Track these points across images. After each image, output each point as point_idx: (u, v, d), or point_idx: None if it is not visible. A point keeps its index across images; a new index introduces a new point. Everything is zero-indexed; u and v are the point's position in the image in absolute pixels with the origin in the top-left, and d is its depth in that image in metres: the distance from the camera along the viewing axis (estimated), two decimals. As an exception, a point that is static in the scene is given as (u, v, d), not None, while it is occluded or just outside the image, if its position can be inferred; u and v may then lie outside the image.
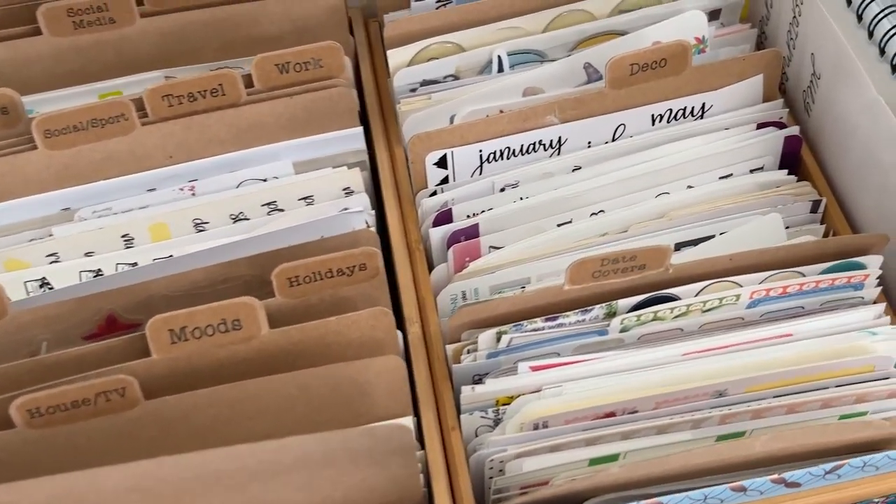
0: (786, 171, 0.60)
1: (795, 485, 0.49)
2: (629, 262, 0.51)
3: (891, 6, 0.57)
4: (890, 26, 0.56)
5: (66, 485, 0.43)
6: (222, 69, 0.58)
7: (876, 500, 0.51)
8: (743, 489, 0.48)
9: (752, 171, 0.61)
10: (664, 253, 0.51)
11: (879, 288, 0.54)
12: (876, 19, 0.57)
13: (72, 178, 0.57)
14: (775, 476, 0.47)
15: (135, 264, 0.56)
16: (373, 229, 0.56)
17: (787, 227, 0.59)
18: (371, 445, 0.45)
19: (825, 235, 0.59)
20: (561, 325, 0.52)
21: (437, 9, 0.64)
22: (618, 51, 0.61)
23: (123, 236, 0.57)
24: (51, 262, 0.56)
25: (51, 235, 0.56)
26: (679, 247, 0.57)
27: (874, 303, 0.54)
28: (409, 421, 0.49)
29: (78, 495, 0.43)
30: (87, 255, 0.56)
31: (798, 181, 0.60)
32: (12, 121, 0.57)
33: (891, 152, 0.54)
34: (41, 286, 0.55)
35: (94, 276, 0.55)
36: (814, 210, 0.59)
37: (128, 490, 0.44)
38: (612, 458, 0.50)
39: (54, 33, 0.60)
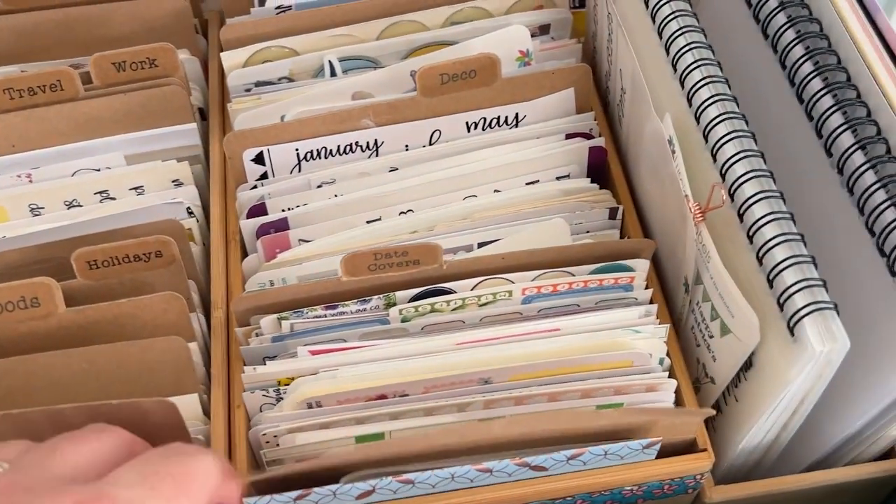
0: (589, 179, 0.65)
1: (541, 468, 0.53)
2: (402, 258, 0.55)
3: (685, 27, 0.61)
4: (679, 47, 0.60)
5: None
6: (63, 66, 0.62)
7: (629, 488, 0.56)
8: (489, 471, 0.52)
9: (558, 178, 0.65)
10: (435, 250, 0.55)
11: (650, 290, 0.58)
12: (671, 38, 0.61)
13: (-84, 162, 0.62)
14: (518, 460, 0.52)
15: (-33, 244, 0.60)
16: (186, 220, 0.60)
17: (588, 232, 0.63)
18: (140, 419, 0.50)
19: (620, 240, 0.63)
20: (342, 313, 0.56)
21: (276, 14, 0.69)
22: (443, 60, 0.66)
23: (-39, 218, 0.61)
24: None
25: None
26: (482, 246, 0.62)
27: (647, 303, 0.58)
28: (193, 398, 0.54)
29: None
30: (-74, 234, 0.61)
31: (601, 189, 0.64)
32: None
33: (666, 165, 0.58)
34: None
35: (-72, 254, 0.60)
36: (612, 217, 0.63)
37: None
38: (378, 436, 0.54)
39: None
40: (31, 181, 0.63)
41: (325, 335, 0.57)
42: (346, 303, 0.56)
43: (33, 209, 0.62)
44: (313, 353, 0.55)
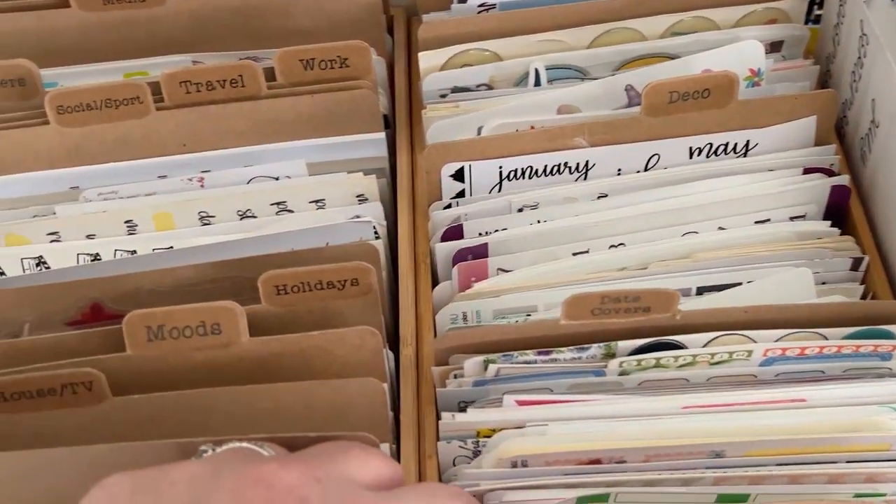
0: (829, 222, 0.56)
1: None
2: (632, 304, 0.47)
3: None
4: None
5: (20, 462, 0.42)
6: (245, 60, 0.56)
7: None
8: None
9: (791, 219, 0.57)
10: (671, 298, 0.47)
11: (909, 362, 0.49)
12: (944, 68, 0.53)
13: (82, 158, 0.56)
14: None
15: (134, 252, 0.55)
16: (375, 242, 0.54)
17: (824, 283, 0.55)
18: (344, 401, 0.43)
19: (863, 297, 0.55)
20: (555, 360, 0.49)
21: (478, 13, 0.62)
22: (663, 76, 0.58)
23: (127, 222, 0.56)
24: (51, 241, 0.55)
25: (54, 214, 0.56)
26: (701, 291, 0.54)
27: (904, 376, 0.50)
28: (385, 448, 0.47)
29: (33, 475, 0.42)
30: (89, 237, 0.55)
31: (841, 234, 0.56)
32: (29, 93, 0.56)
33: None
34: (38, 265, 0.54)
35: (92, 260, 0.54)
36: (854, 268, 0.55)
37: (83, 475, 0.42)
38: (602, 498, 0.47)
39: (83, 7, 0.59)
40: (202, 186, 0.57)
41: (532, 383, 0.49)
42: (561, 349, 0.49)
43: (203, 217, 0.56)
44: (521, 402, 0.48)
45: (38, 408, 0.45)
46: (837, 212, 0.57)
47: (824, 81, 0.64)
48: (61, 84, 0.60)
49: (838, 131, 0.62)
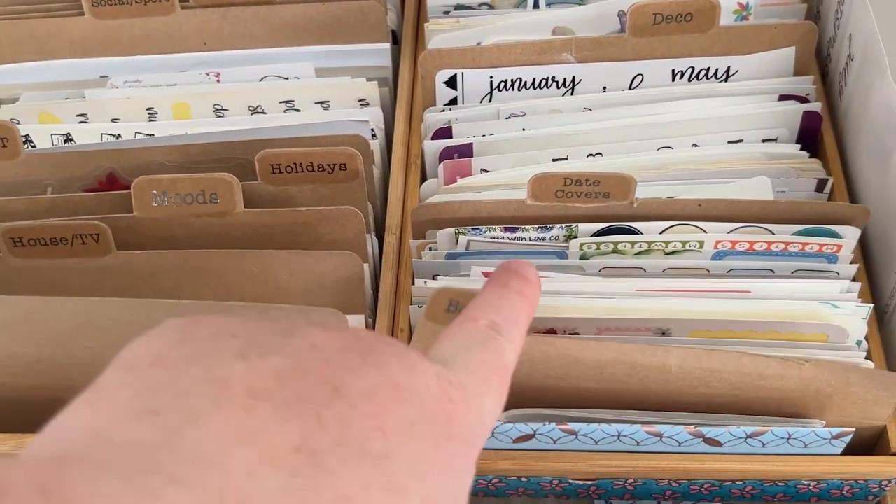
0: (799, 146, 0.59)
1: (715, 443, 0.49)
2: (593, 188, 0.51)
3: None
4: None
5: (28, 307, 0.48)
6: (265, -31, 0.61)
7: (806, 482, 0.51)
8: (659, 435, 0.48)
9: (763, 141, 0.60)
10: (628, 182, 0.51)
11: (855, 266, 0.53)
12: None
13: (112, 49, 0.62)
14: (693, 428, 0.48)
15: (152, 135, 0.60)
16: (372, 142, 0.58)
17: (791, 202, 0.58)
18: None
19: (825, 216, 0.58)
20: (520, 238, 0.53)
21: (486, -60, 0.66)
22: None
23: (148, 109, 0.61)
24: (79, 122, 0.60)
25: (83, 97, 0.61)
26: (673, 200, 0.58)
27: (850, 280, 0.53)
28: (359, 319, 0.52)
29: (37, 319, 0.48)
30: (113, 120, 0.61)
31: (810, 158, 0.59)
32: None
33: (892, 140, 0.52)
34: (65, 141, 0.60)
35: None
36: (819, 189, 0.58)
37: (81, 324, 0.48)
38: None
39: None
40: (218, 81, 0.62)
41: (498, 259, 0.54)
42: (527, 227, 0.53)
43: (217, 109, 0.61)
44: (486, 274, 0.52)
45: (51, 255, 0.51)
46: (809, 138, 0.60)
47: (815, 21, 0.67)
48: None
49: (823, 69, 0.65)
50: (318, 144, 0.55)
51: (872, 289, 0.56)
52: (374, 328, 0.53)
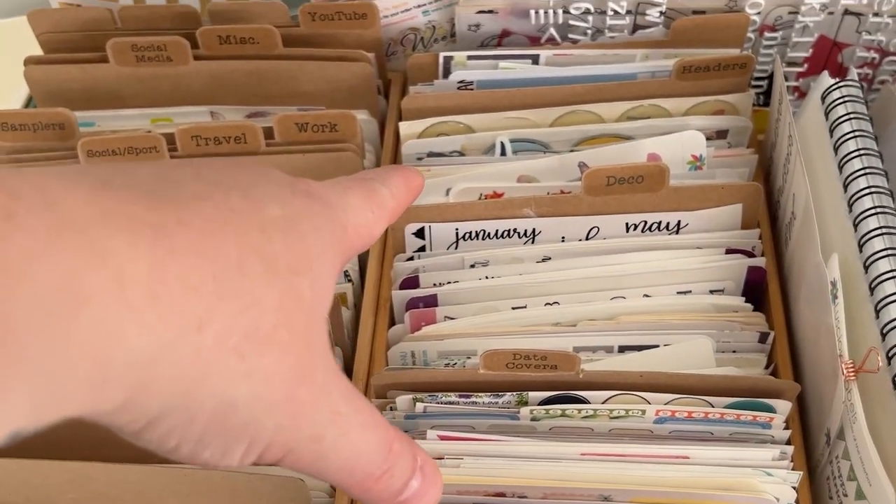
0: (744, 298, 0.63)
1: None
2: (541, 361, 0.56)
3: (868, 168, 0.59)
4: (860, 188, 0.59)
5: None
6: (247, 121, 0.66)
7: None
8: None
9: (711, 292, 0.64)
10: (574, 360, 0.55)
11: (788, 431, 0.57)
12: (851, 177, 0.60)
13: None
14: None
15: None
16: (345, 286, 0.63)
17: (734, 352, 0.62)
18: (268, 492, 0.52)
19: (766, 367, 0.62)
20: (474, 402, 0.57)
21: (458, 88, 0.70)
22: (613, 156, 0.66)
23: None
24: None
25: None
26: (623, 350, 0.62)
27: (784, 444, 0.57)
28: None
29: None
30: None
31: (755, 311, 0.63)
32: (67, 135, 0.66)
33: (824, 311, 0.56)
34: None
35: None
36: (762, 341, 0.62)
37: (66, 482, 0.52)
38: (495, 531, 0.55)
39: (119, 63, 0.69)
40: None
41: (456, 420, 0.58)
42: (480, 394, 0.57)
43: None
44: (442, 437, 0.57)
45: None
46: (755, 290, 0.64)
47: (768, 166, 0.71)
48: (98, 124, 0.71)
49: (774, 214, 0.69)
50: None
51: (806, 443, 0.60)
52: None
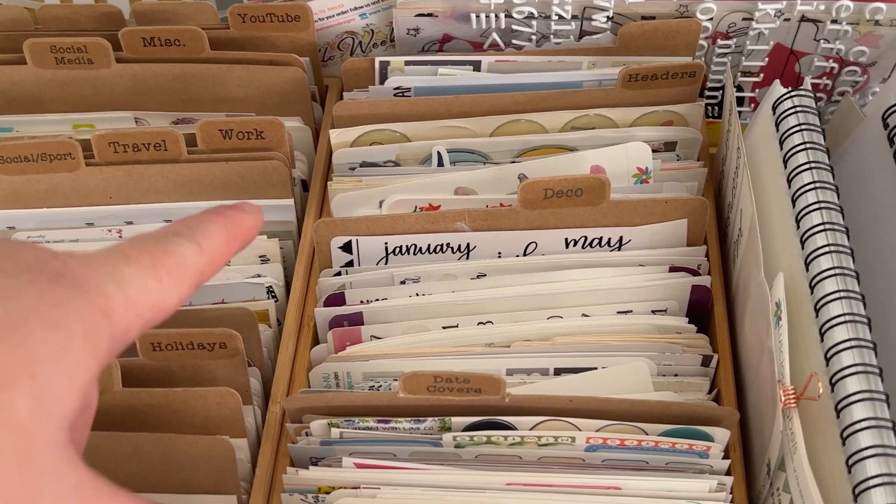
0: (686, 319, 0.60)
1: None
2: (463, 384, 0.52)
3: (818, 183, 0.56)
4: (808, 203, 0.55)
5: None
6: (168, 127, 0.62)
7: None
8: None
9: (653, 312, 0.61)
10: (499, 383, 0.52)
11: (727, 462, 0.53)
12: (800, 191, 0.56)
13: (19, 202, 0.63)
14: None
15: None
16: (266, 302, 0.59)
17: (676, 376, 0.59)
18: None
19: (710, 392, 0.59)
20: (394, 428, 0.54)
21: (394, 95, 0.67)
22: (555, 168, 0.63)
23: (50, 263, 0.62)
24: (-19, 276, 0.61)
25: (-14, 251, 0.62)
26: (559, 372, 0.58)
27: (724, 474, 0.53)
28: (231, 500, 0.53)
29: None
30: (16, 274, 0.62)
31: (698, 332, 0.60)
32: (-23, 142, 0.63)
33: (766, 333, 0.53)
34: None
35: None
36: (705, 364, 0.59)
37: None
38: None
39: (38, 65, 0.66)
40: (120, 237, 0.63)
41: (376, 447, 0.54)
42: (400, 419, 0.54)
43: (121, 263, 0.62)
44: (358, 465, 0.53)
45: None
46: (699, 310, 0.61)
47: (719, 180, 0.68)
48: (17, 129, 0.67)
49: (724, 230, 0.66)
50: (204, 316, 0.56)
51: (749, 473, 0.56)
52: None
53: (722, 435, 0.53)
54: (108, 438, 0.52)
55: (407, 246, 0.61)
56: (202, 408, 0.53)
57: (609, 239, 0.62)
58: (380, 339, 0.60)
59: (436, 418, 0.54)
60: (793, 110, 0.60)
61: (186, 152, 0.62)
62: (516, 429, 0.54)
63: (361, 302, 0.61)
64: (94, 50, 0.65)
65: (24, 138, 0.64)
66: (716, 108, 0.74)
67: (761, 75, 0.72)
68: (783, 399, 0.49)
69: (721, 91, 0.73)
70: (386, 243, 0.61)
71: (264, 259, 0.63)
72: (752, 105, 0.74)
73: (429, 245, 0.61)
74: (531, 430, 0.54)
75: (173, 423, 0.53)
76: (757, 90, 0.73)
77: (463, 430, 0.54)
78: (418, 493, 0.52)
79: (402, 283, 0.61)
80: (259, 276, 0.62)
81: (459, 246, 0.62)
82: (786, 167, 0.58)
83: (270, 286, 0.61)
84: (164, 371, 0.55)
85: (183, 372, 0.55)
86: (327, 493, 0.53)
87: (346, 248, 0.61)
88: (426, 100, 0.65)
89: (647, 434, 0.53)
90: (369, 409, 0.54)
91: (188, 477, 0.53)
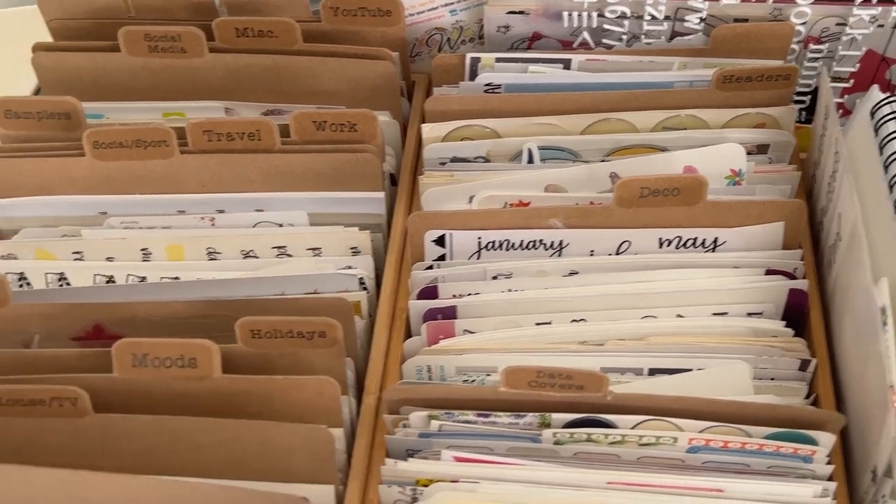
0: (784, 322, 0.59)
1: None
2: (566, 381, 0.52)
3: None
4: (912, 204, 0.55)
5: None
6: (262, 117, 0.62)
7: None
8: None
9: (749, 315, 0.60)
10: (601, 380, 0.51)
11: (832, 467, 0.52)
12: (903, 196, 0.56)
13: (111, 188, 0.63)
14: None
15: (144, 278, 0.61)
16: (358, 293, 0.59)
17: (773, 380, 0.58)
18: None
19: (807, 397, 0.58)
20: (493, 422, 0.53)
21: (484, 91, 0.66)
22: (647, 167, 0.62)
23: (143, 249, 0.62)
24: (74, 259, 0.62)
25: (80, 235, 0.62)
26: (653, 372, 0.58)
27: (826, 479, 0.53)
28: (328, 490, 0.53)
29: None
30: (108, 259, 0.62)
31: (797, 336, 0.59)
32: (73, 125, 0.63)
33: (872, 338, 0.52)
34: (59, 280, 0.61)
35: (106, 282, 0.61)
36: (802, 368, 0.58)
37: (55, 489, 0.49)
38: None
39: (131, 53, 0.66)
40: (213, 225, 0.63)
41: (473, 441, 0.54)
42: (500, 414, 0.53)
43: (210, 253, 0.62)
44: (457, 459, 0.53)
45: (29, 414, 0.52)
46: (796, 314, 0.60)
47: (810, 186, 0.67)
48: (107, 116, 0.67)
49: (816, 235, 0.65)
50: (301, 305, 0.56)
51: (849, 479, 0.55)
52: (344, 495, 0.54)
53: (826, 439, 0.52)
54: (209, 424, 0.52)
55: (500, 241, 0.61)
56: (301, 396, 0.53)
57: (704, 240, 0.61)
58: (473, 333, 0.59)
59: (536, 414, 0.53)
60: (892, 116, 0.60)
61: (280, 143, 0.62)
62: (617, 427, 0.53)
63: (454, 296, 0.60)
64: (188, 39, 0.65)
65: (116, 125, 0.64)
66: (802, 112, 0.73)
67: (851, 81, 0.71)
68: (895, 404, 0.48)
69: (809, 96, 0.72)
70: (479, 238, 0.61)
71: (356, 251, 0.63)
72: (840, 111, 0.73)
73: (521, 241, 0.61)
74: (632, 429, 0.53)
75: (271, 411, 0.53)
76: (846, 96, 0.72)
77: (563, 427, 0.53)
78: (518, 488, 0.52)
79: (494, 278, 0.61)
80: (350, 267, 0.62)
81: (552, 243, 0.61)
82: (886, 172, 0.58)
83: (362, 279, 0.61)
84: (262, 358, 0.54)
85: (282, 360, 0.55)
86: (425, 485, 0.53)
87: (440, 241, 0.61)
88: (517, 96, 0.65)
89: (750, 437, 0.53)
90: (469, 402, 0.54)
91: (286, 465, 0.52)
